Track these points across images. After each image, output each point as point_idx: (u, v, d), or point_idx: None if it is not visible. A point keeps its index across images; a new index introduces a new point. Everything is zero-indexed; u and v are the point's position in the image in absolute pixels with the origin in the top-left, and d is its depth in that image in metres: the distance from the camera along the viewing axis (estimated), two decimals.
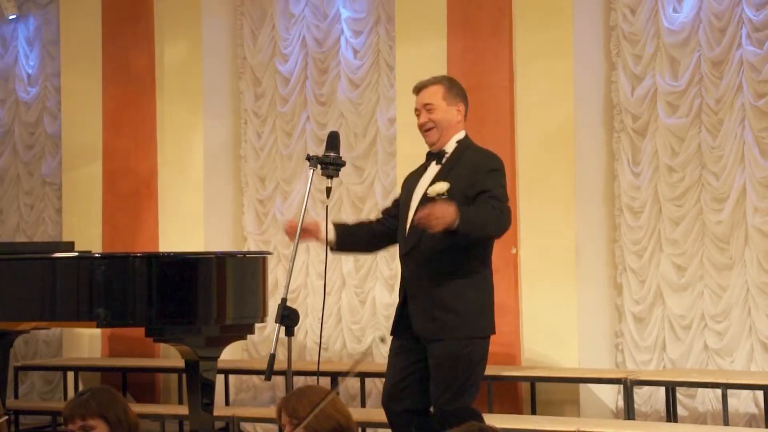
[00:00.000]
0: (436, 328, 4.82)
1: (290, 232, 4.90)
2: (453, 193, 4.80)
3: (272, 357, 4.43)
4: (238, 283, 6.39)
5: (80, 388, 8.68)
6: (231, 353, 7.80)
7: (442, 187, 4.83)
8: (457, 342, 4.80)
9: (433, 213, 4.58)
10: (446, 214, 4.57)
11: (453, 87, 5.06)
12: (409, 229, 4.92)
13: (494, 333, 4.98)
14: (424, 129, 5.02)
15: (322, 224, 4.99)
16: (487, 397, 6.78)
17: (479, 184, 4.84)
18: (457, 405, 4.79)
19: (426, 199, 4.86)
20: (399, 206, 5.13)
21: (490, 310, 4.95)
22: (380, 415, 7.02)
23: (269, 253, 6.86)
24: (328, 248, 5.04)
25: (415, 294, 4.89)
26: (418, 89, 5.07)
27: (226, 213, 8.66)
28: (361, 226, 5.37)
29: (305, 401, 3.48)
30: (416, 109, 5.07)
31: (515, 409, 7.02)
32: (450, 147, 5.00)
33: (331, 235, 4.98)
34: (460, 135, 5.03)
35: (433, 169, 4.99)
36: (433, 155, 5.02)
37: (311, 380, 7.52)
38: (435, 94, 5.01)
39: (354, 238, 5.20)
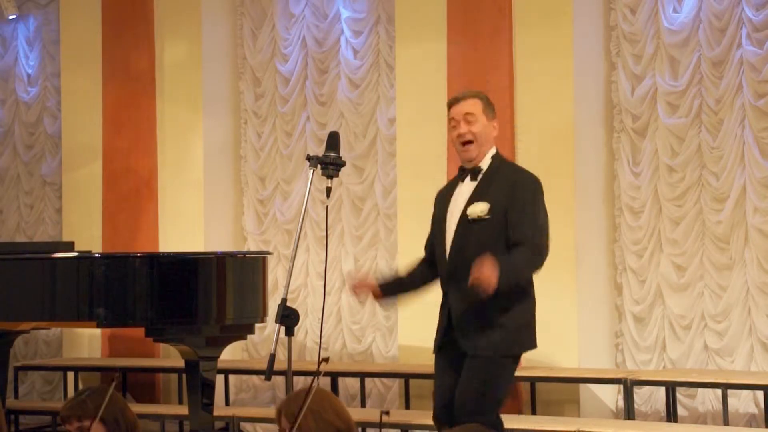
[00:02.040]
0: (484, 344, 4.77)
1: (358, 290, 4.98)
2: (492, 212, 4.77)
3: (272, 357, 4.42)
4: (238, 283, 6.39)
5: (80, 388, 8.68)
6: (231, 353, 7.81)
7: (483, 207, 4.79)
8: (497, 361, 4.80)
9: (480, 284, 4.53)
10: (491, 278, 4.53)
11: (489, 103, 5.00)
12: (450, 251, 4.87)
13: (535, 347, 4.95)
14: (462, 141, 4.91)
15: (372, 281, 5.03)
16: None
17: (518, 210, 4.79)
18: (481, 420, 4.70)
19: (466, 221, 4.81)
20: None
21: (533, 328, 4.92)
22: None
23: (269, 253, 6.86)
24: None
25: (460, 314, 4.82)
26: (456, 100, 4.98)
27: (226, 213, 8.66)
28: (409, 281, 5.21)
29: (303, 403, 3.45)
30: (452, 119, 4.96)
31: (515, 409, 7.02)
32: (485, 163, 4.92)
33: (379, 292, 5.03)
34: (493, 150, 4.97)
35: (469, 185, 4.91)
36: (467, 171, 4.94)
37: (316, 378, 7.51)
38: (476, 106, 4.93)
39: (401, 290, 5.18)
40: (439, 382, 4.97)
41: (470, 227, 4.82)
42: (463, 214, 4.84)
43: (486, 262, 4.54)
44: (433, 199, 5.11)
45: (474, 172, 4.92)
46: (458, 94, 5.06)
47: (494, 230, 4.79)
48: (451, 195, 4.98)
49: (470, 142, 4.90)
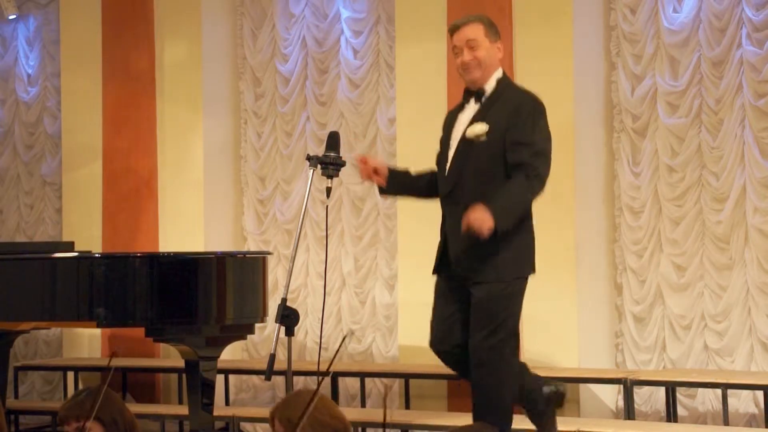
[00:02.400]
0: (481, 269, 4.80)
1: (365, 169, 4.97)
2: (492, 134, 4.79)
3: (272, 357, 4.43)
4: (238, 283, 6.39)
5: (80, 388, 8.68)
6: (231, 353, 7.81)
7: (482, 128, 4.82)
8: (501, 284, 4.81)
9: (471, 225, 4.57)
10: (483, 221, 4.57)
11: (492, 25, 5.00)
12: (449, 171, 4.91)
13: (534, 273, 4.95)
14: (465, 67, 4.93)
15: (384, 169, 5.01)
16: None
17: (517, 132, 4.80)
18: (492, 342, 4.78)
19: (465, 141, 4.84)
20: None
21: (532, 250, 4.94)
22: (380, 415, 7.03)
23: (269, 253, 6.86)
24: (380, 192, 5.14)
25: (457, 234, 4.81)
26: (456, 27, 4.99)
27: (226, 213, 8.66)
28: (416, 184, 5.21)
29: (299, 408, 3.36)
30: (455, 47, 4.97)
31: (515, 409, 7.01)
32: (490, 86, 4.94)
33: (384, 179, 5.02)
34: (499, 73, 4.98)
35: (472, 107, 4.94)
36: (472, 93, 4.96)
37: (311, 380, 7.53)
38: (477, 31, 4.94)
39: (405, 189, 5.18)
40: (438, 312, 4.98)
41: (469, 148, 4.84)
42: (463, 136, 4.87)
43: (477, 208, 4.58)
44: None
45: (478, 95, 4.94)
46: (458, 20, 5.07)
47: (493, 152, 4.80)
48: (456, 117, 5.01)
49: (473, 66, 4.91)
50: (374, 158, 5.09)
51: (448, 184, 4.92)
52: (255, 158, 8.61)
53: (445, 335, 4.95)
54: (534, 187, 4.82)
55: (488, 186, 4.80)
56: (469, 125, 4.88)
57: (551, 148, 4.96)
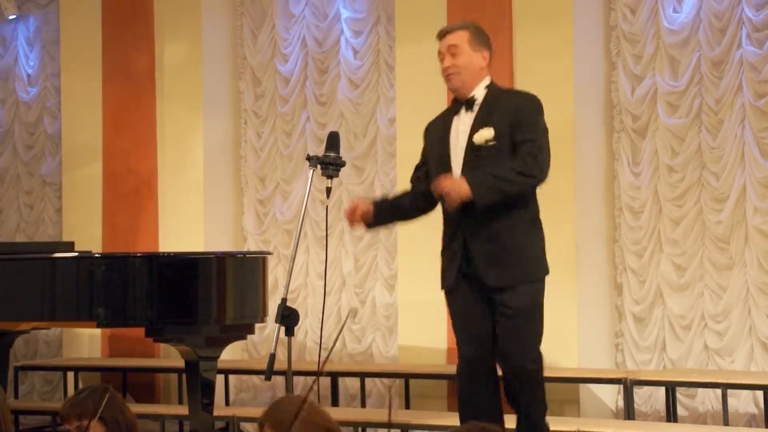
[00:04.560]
0: (506, 274, 4.80)
1: (353, 216, 4.97)
2: (499, 139, 4.81)
3: (272, 357, 4.43)
4: (238, 283, 6.39)
5: (81, 387, 8.69)
6: (231, 353, 7.81)
7: (490, 133, 4.83)
8: (529, 287, 4.83)
9: (444, 189, 4.64)
10: (457, 189, 4.64)
11: (479, 33, 5.03)
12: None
13: (548, 273, 5.01)
14: (446, 74, 4.98)
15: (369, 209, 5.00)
16: None
17: (520, 133, 4.85)
18: (535, 357, 4.79)
19: (474, 149, 4.83)
20: (428, 165, 5.06)
21: (544, 249, 5.00)
22: (380, 415, 7.03)
23: (269, 253, 6.87)
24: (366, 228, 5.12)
25: (473, 239, 4.82)
26: (443, 33, 5.03)
27: (226, 213, 8.66)
28: (398, 204, 5.20)
29: (289, 412, 3.33)
30: (440, 53, 5.01)
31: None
32: (479, 93, 4.95)
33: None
34: (487, 81, 5.00)
35: (467, 116, 4.93)
36: (461, 102, 4.97)
37: (311, 380, 7.53)
38: (461, 38, 4.97)
39: (390, 215, 5.15)
40: (471, 329, 4.90)
41: (479, 155, 4.84)
42: (470, 143, 4.86)
43: (452, 177, 4.68)
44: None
45: (468, 103, 4.94)
46: (447, 26, 5.14)
47: (502, 156, 4.82)
48: (449, 127, 4.98)
49: (453, 74, 4.93)
50: (362, 204, 5.02)
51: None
52: (255, 158, 8.61)
53: (487, 353, 4.89)
54: (526, 182, 4.84)
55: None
56: (472, 132, 4.87)
57: (548, 140, 5.01)
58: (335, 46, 8.35)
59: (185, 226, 8.49)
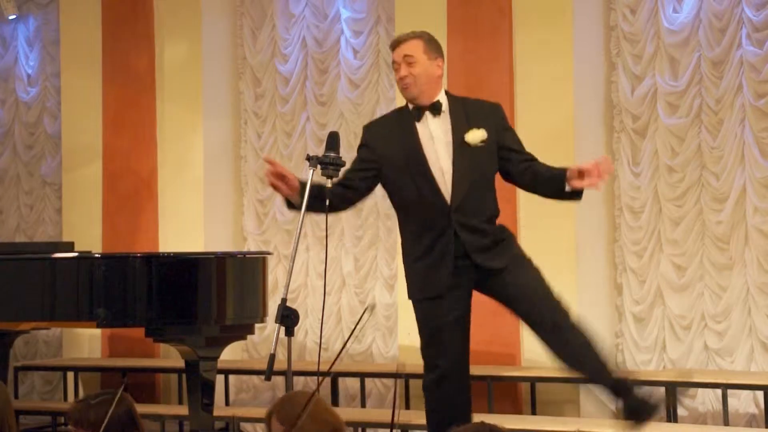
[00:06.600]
0: (501, 257, 4.90)
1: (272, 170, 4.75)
2: (488, 140, 4.89)
3: (272, 357, 4.42)
4: (238, 283, 6.39)
5: (80, 388, 8.69)
6: (231, 353, 7.80)
7: (483, 134, 4.87)
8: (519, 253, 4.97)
9: (604, 174, 4.79)
10: (605, 168, 4.82)
11: (432, 41, 5.02)
12: (454, 182, 4.86)
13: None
14: (403, 84, 4.96)
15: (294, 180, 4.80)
16: (487, 397, 6.78)
17: (509, 138, 4.98)
18: (565, 304, 4.87)
19: (464, 149, 4.85)
20: (377, 166, 4.97)
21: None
22: (380, 415, 7.03)
23: (269, 253, 6.86)
24: (288, 206, 4.92)
25: (463, 234, 4.87)
26: (396, 43, 5.02)
27: (226, 213, 8.66)
28: (318, 190, 4.82)
29: (298, 406, 3.35)
30: (394, 62, 5.02)
31: (515, 409, 7.02)
32: (442, 98, 4.97)
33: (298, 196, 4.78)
34: (444, 87, 5.04)
35: (439, 119, 4.92)
36: (422, 108, 4.93)
37: (311, 380, 7.53)
38: (416, 48, 4.96)
39: (313, 205, 4.75)
40: (449, 337, 4.89)
41: (468, 156, 4.86)
42: (460, 142, 4.86)
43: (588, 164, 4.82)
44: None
45: (434, 108, 4.93)
46: (400, 35, 5.09)
47: (489, 156, 4.91)
48: (414, 131, 4.91)
49: (410, 84, 4.92)
50: (288, 172, 4.80)
51: (457, 194, 4.86)
52: (255, 158, 8.61)
53: (461, 371, 4.91)
54: None
55: (487, 192, 4.94)
56: (457, 133, 4.88)
57: None
58: (335, 46, 8.35)
59: (185, 227, 8.49)
